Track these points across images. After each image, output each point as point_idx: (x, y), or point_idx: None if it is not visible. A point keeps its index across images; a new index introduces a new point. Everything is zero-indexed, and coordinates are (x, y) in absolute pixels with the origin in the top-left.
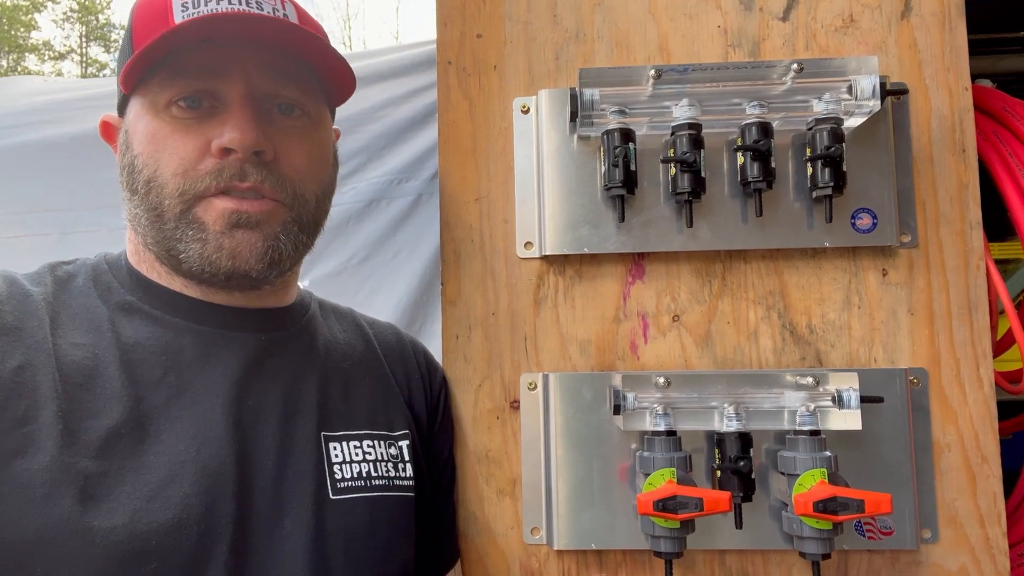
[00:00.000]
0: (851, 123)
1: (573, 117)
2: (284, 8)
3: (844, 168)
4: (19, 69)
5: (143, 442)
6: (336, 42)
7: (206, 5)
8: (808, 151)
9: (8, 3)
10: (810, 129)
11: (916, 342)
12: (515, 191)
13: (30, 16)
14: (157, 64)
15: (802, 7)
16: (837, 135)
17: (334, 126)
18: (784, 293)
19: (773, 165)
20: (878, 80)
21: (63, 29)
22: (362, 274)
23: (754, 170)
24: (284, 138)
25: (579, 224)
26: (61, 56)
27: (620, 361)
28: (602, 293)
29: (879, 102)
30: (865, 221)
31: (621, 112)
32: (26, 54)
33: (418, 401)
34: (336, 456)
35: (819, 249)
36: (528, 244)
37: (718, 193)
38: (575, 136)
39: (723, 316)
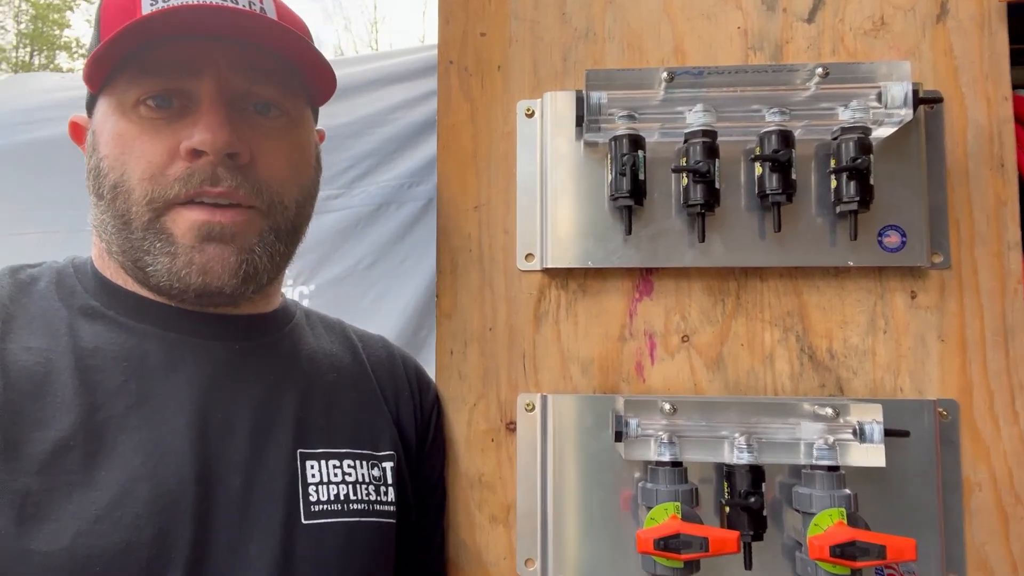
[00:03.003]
0: (880, 133)
1: (579, 122)
2: (261, 2)
3: (871, 182)
4: (51, 67)
5: (95, 456)
6: (363, 46)
7: None
8: (832, 162)
9: (42, 1)
10: (835, 139)
11: (946, 371)
12: (517, 199)
13: (63, 14)
14: (124, 61)
15: (829, 8)
16: (864, 146)
17: (318, 127)
18: (803, 315)
19: (794, 177)
20: (910, 87)
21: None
22: (369, 279)
23: (773, 182)
24: (261, 140)
25: (584, 236)
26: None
27: (624, 383)
28: (607, 310)
29: (911, 111)
30: (893, 239)
31: (630, 117)
32: (57, 51)
33: (407, 420)
34: (312, 476)
35: (842, 268)
36: (529, 256)
37: (734, 206)
38: (582, 142)
39: (736, 338)
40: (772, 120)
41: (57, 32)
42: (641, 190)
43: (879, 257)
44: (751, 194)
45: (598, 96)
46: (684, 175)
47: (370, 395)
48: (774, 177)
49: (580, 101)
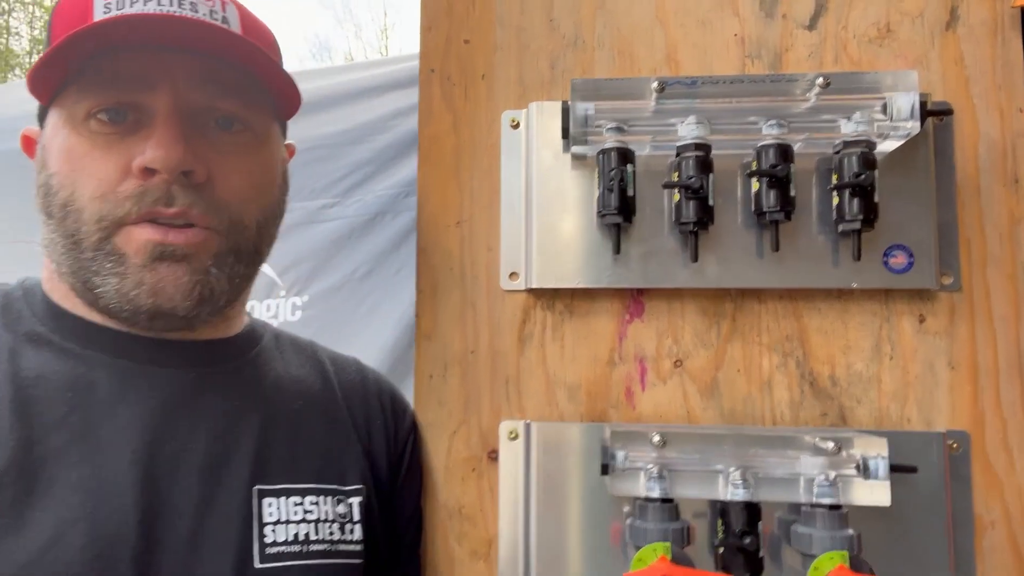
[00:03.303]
0: (885, 147)
1: (565, 134)
2: (224, 11)
3: (876, 199)
4: None
5: (28, 495)
6: (373, 51)
7: (131, 5)
8: (834, 178)
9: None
10: (837, 153)
11: (957, 400)
12: (501, 215)
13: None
14: (75, 71)
15: (831, 15)
16: (868, 161)
17: (288, 141)
18: (804, 339)
19: (793, 193)
20: (917, 98)
21: None
22: (364, 289)
23: (770, 199)
24: (221, 157)
25: (571, 254)
26: None
27: (613, 410)
28: (595, 332)
29: (918, 124)
30: (899, 260)
31: (619, 129)
32: None
33: (379, 449)
34: (270, 515)
35: (845, 290)
36: (513, 275)
37: (729, 223)
38: (569, 155)
39: (732, 363)
40: (770, 133)
41: None
42: (630, 206)
43: (885, 279)
44: (748, 211)
45: (585, 107)
46: (676, 191)
47: (339, 424)
48: (771, 193)
49: (566, 112)
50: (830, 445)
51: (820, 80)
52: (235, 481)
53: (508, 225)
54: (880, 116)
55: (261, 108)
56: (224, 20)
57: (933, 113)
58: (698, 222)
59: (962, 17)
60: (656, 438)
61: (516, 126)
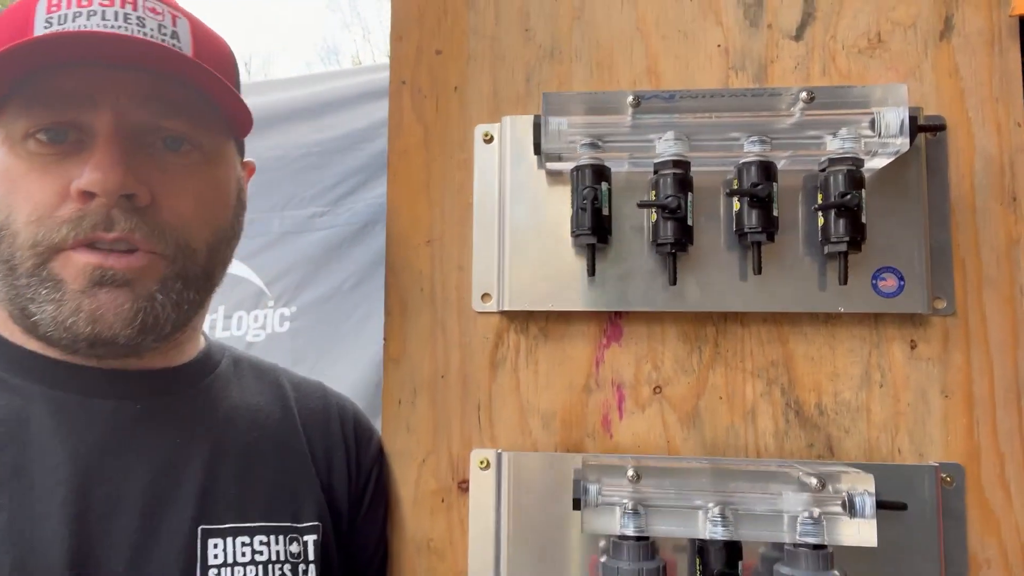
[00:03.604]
0: (874, 164)
1: (537, 149)
2: (175, 25)
3: (863, 219)
4: None
5: None
6: (381, 55)
7: (74, 21)
8: (820, 197)
9: None
10: (823, 171)
11: (951, 431)
12: (473, 234)
13: None
14: (14, 88)
15: (819, 24)
16: (855, 179)
17: (247, 159)
18: (789, 365)
19: (775, 213)
20: (907, 113)
21: None
22: (354, 299)
23: (752, 219)
24: (167, 178)
25: (546, 275)
26: None
27: (590, 439)
28: (571, 357)
29: (908, 140)
30: (890, 283)
31: (593, 145)
32: None
33: (340, 481)
34: (215, 557)
35: (833, 315)
36: (485, 296)
37: (712, 244)
38: (544, 171)
39: (714, 390)
40: (751, 150)
41: None
42: (605, 226)
43: (874, 303)
44: (731, 231)
45: (558, 122)
46: (653, 210)
47: (296, 456)
48: (753, 213)
49: (537, 127)
50: (813, 481)
51: (804, 95)
52: (178, 521)
53: (480, 244)
54: (868, 132)
55: (212, 126)
56: (174, 35)
57: (925, 128)
58: (676, 243)
59: (957, 26)
60: (630, 472)
61: (489, 140)
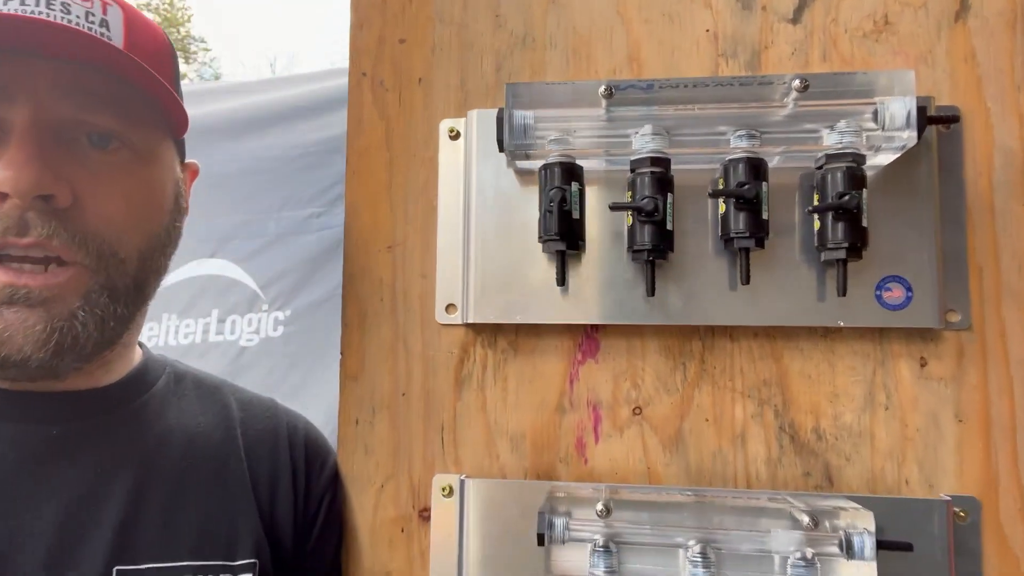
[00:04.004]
0: (878, 160)
1: (501, 146)
2: (105, 12)
3: (864, 223)
4: None
5: None
6: None
7: None
8: (816, 198)
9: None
10: (820, 168)
11: (965, 460)
12: (437, 238)
13: (185, 14)
14: None
15: (819, 5)
16: (855, 177)
17: (189, 160)
18: (784, 384)
19: (765, 216)
20: (914, 103)
21: None
22: None
23: (739, 223)
24: (92, 178)
25: (515, 284)
26: None
27: (562, 464)
28: (543, 374)
29: (915, 133)
30: (896, 294)
31: (562, 141)
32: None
33: (284, 509)
34: None
35: (833, 328)
36: (450, 307)
37: (696, 250)
38: (513, 170)
39: (700, 411)
40: (738, 146)
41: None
42: (576, 231)
43: (878, 316)
44: (718, 236)
45: (523, 116)
46: (628, 213)
47: (236, 484)
48: (740, 217)
49: (500, 121)
50: (805, 519)
51: (797, 83)
52: (91, 561)
53: (445, 250)
54: (871, 124)
55: (144, 123)
56: (104, 24)
57: (937, 120)
58: (653, 249)
59: (974, 6)
60: (600, 506)
61: (455, 137)
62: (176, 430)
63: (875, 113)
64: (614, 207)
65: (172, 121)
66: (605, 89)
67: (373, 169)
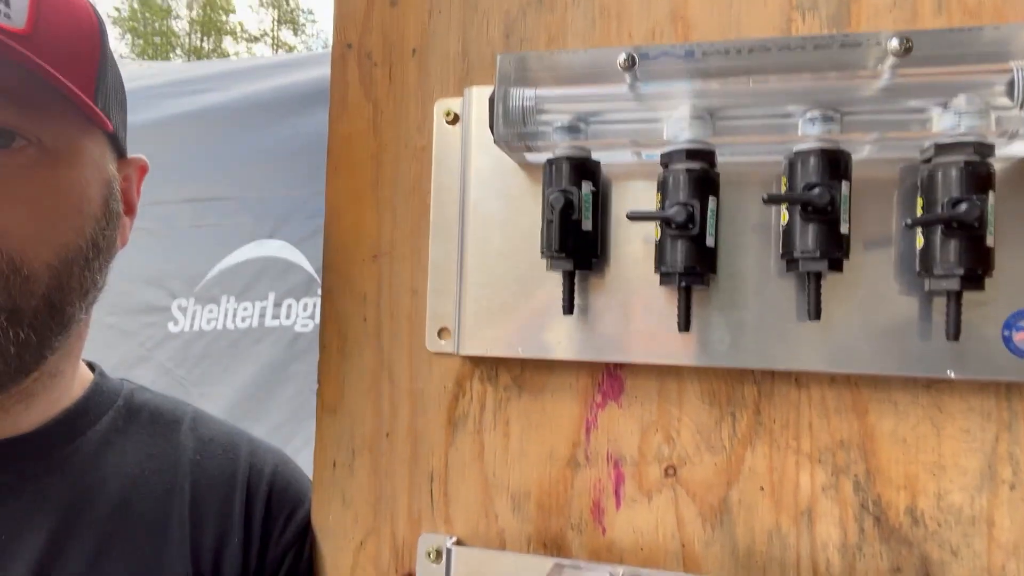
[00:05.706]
0: (1012, 151)
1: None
2: (8, 5)
3: (989, 241)
4: (218, 51)
5: None
6: None
7: None
8: (919, 205)
9: None
10: (927, 162)
11: None
12: (430, 246)
13: (229, 1)
14: None
15: None
16: (977, 177)
17: (136, 155)
18: (868, 448)
19: (845, 230)
20: None
21: (258, 14)
22: None
23: (806, 239)
24: None
25: (521, 307)
26: (255, 39)
27: (574, 532)
28: (553, 418)
29: None
30: None
31: (571, 130)
32: (224, 36)
33: (232, 566)
34: None
35: (938, 380)
36: (444, 331)
37: (752, 270)
38: (520, 163)
39: (753, 476)
40: (809, 132)
41: (224, 18)
42: (588, 245)
43: (1005, 365)
44: (779, 253)
45: (522, 95)
46: (656, 224)
47: (172, 548)
48: (809, 230)
49: (493, 103)
50: None
51: (895, 43)
52: None
53: (439, 261)
54: (1003, 101)
55: (60, 119)
56: (4, 2)
57: None
58: (687, 272)
59: None
60: None
61: (453, 121)
62: (108, 480)
63: (1010, 84)
64: (633, 216)
65: (91, 117)
66: (626, 59)
67: (357, 161)
